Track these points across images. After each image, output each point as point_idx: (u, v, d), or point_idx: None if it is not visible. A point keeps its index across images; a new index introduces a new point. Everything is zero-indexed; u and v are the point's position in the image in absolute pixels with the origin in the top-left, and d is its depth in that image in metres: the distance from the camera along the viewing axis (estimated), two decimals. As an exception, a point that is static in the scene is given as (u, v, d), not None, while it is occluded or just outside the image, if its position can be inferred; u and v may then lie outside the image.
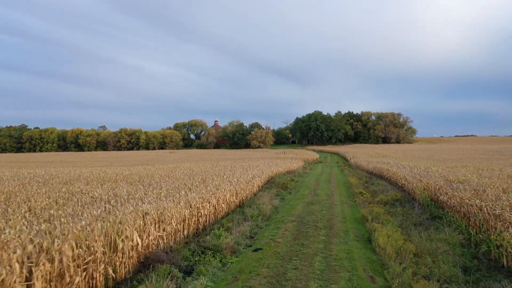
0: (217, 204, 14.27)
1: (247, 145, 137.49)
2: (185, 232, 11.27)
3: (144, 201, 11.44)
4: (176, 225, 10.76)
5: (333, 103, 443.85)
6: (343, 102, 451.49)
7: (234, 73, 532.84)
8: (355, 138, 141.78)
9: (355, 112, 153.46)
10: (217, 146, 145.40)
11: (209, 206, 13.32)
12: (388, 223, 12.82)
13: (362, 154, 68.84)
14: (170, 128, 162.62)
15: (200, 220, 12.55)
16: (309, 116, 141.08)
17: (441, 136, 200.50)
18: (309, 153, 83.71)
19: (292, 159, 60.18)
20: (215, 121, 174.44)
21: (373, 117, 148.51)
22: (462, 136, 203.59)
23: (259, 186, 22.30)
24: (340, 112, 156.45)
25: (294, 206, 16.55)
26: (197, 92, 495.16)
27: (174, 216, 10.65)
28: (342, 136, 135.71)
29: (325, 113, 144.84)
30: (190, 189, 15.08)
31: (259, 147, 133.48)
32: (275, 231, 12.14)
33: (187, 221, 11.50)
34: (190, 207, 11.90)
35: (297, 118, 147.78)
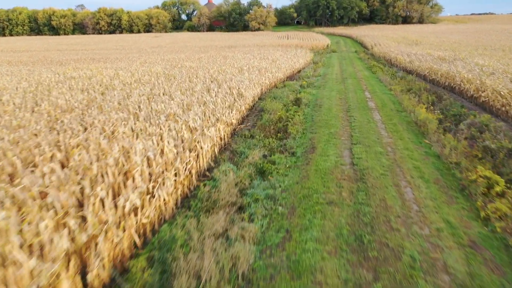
0: None
1: (245, 27, 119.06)
2: None
3: None
4: None
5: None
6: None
7: None
8: (370, 18, 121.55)
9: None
10: (211, 28, 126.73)
11: None
12: None
13: (386, 40, 54.03)
14: (157, 7, 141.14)
15: None
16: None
17: (456, 15, 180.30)
18: (318, 38, 68.45)
19: (297, 47, 46.10)
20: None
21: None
22: (479, 14, 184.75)
23: (217, 148, 9.78)
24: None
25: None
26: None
27: None
28: (356, 15, 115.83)
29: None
30: None
31: (258, 29, 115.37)
32: None
33: None
34: None
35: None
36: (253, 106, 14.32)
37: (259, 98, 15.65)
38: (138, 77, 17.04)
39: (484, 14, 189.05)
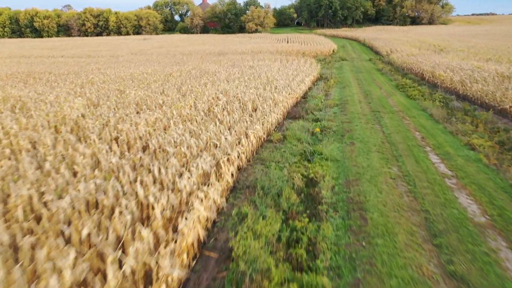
0: None
1: (242, 29, 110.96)
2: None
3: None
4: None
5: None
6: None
7: None
8: (376, 18, 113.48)
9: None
10: (205, 30, 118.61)
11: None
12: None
13: (401, 44, 46.19)
14: (149, 8, 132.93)
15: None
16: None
17: (458, 15, 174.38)
18: (322, 41, 60.41)
19: (298, 54, 38.18)
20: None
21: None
22: (480, 14, 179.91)
23: None
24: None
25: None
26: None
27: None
28: (361, 16, 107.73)
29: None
30: None
31: (256, 31, 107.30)
32: None
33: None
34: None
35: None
36: (213, 227, 6.24)
37: (233, 187, 7.61)
38: (16, 131, 8.99)
39: (485, 14, 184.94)
